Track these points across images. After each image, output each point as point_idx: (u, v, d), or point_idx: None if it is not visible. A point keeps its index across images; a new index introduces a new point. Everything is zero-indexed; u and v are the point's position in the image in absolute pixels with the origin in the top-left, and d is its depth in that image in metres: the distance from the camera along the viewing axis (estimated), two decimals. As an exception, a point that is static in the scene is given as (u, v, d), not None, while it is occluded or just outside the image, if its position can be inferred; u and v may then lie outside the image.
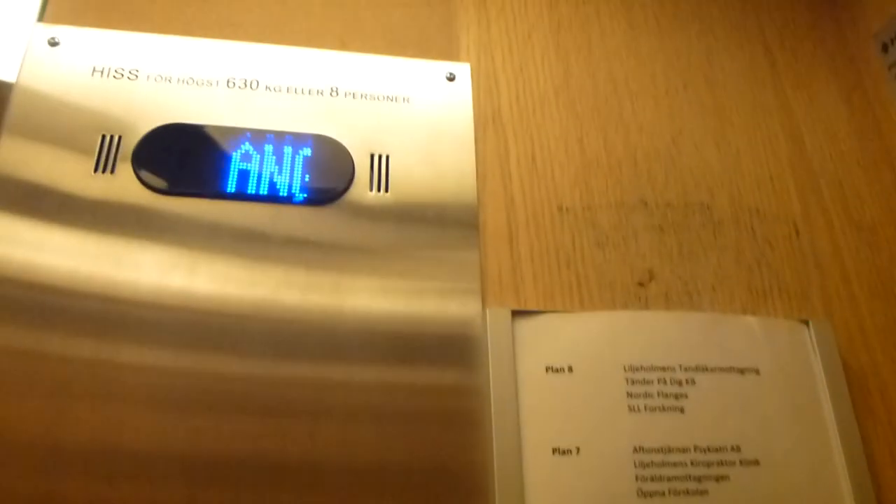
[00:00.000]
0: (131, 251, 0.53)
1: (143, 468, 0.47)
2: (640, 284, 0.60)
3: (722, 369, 0.57)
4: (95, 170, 0.56)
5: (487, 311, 0.55)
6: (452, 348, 0.54)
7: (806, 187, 0.68)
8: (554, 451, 0.52)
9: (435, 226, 0.58)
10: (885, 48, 0.74)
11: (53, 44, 0.60)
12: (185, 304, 0.52)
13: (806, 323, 0.60)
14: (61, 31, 0.61)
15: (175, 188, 0.56)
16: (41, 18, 0.62)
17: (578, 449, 0.52)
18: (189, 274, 0.53)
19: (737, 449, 0.54)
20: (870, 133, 0.72)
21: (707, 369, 0.56)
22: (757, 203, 0.66)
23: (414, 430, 0.51)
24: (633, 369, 0.55)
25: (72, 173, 0.55)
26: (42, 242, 0.52)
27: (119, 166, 0.56)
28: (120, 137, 0.57)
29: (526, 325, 0.56)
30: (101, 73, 0.60)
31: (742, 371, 0.57)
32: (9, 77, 0.59)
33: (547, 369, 0.54)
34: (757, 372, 0.57)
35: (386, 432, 0.50)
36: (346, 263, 0.55)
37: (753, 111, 0.71)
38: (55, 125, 0.57)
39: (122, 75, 0.60)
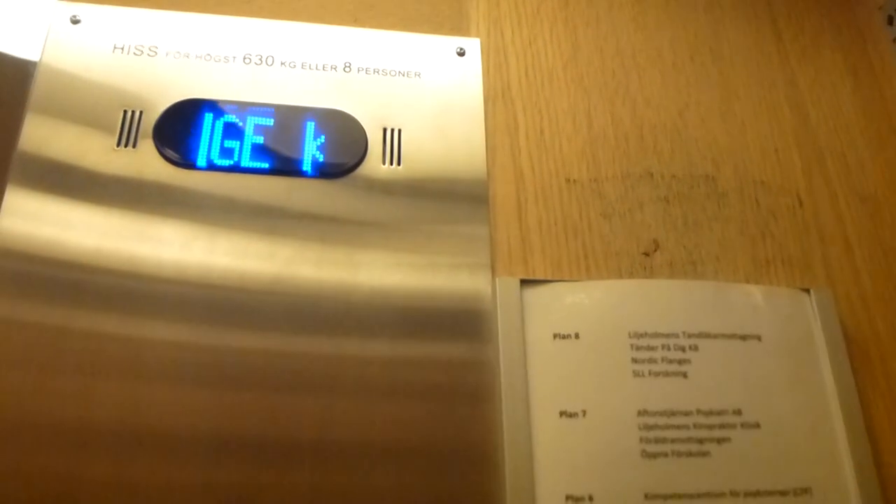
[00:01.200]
0: (154, 225, 0.55)
1: (165, 445, 0.49)
2: (646, 254, 0.62)
3: (724, 336, 0.58)
4: (118, 144, 0.57)
5: (497, 281, 0.57)
6: (463, 322, 0.56)
7: (810, 159, 0.69)
8: (561, 414, 0.54)
9: (446, 200, 0.59)
10: (890, 21, 0.74)
11: (75, 21, 0.62)
12: (204, 278, 0.54)
13: (807, 291, 0.62)
14: (82, 8, 0.62)
15: (194, 162, 0.57)
16: (62, -4, 0.63)
17: (585, 412, 0.54)
18: (208, 248, 0.55)
19: (738, 412, 0.56)
20: (874, 105, 0.73)
21: (710, 336, 0.58)
22: (761, 175, 0.67)
23: (426, 404, 0.53)
24: (638, 336, 0.57)
25: (95, 149, 0.57)
26: (67, 219, 0.54)
27: (140, 141, 0.58)
28: (141, 113, 0.59)
29: (534, 294, 0.58)
30: (122, 49, 0.61)
31: (744, 338, 0.59)
32: (33, 56, 0.61)
33: (554, 336, 0.56)
34: (759, 338, 0.59)
35: (399, 406, 0.52)
36: (360, 237, 0.57)
37: (759, 84, 0.72)
38: (78, 102, 0.59)
39: (142, 52, 0.61)
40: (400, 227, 0.58)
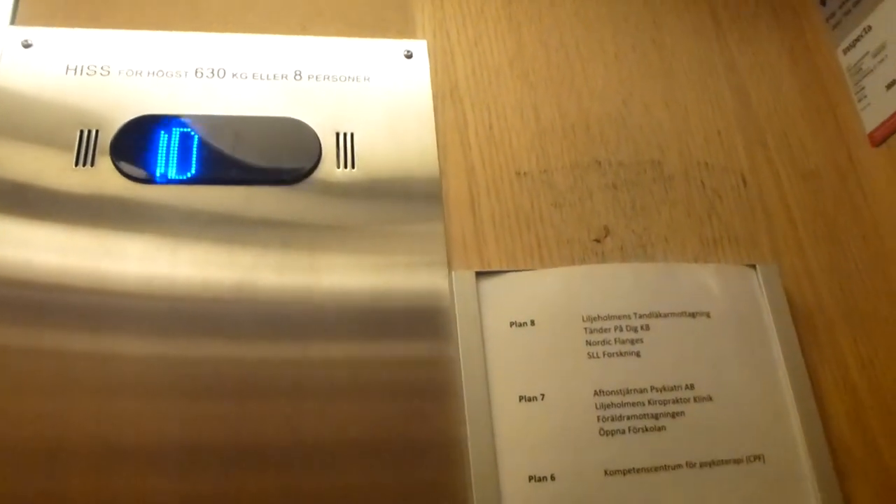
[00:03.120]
0: (116, 241, 0.56)
1: (140, 458, 0.50)
2: (597, 241, 0.64)
3: (674, 314, 0.61)
4: (76, 164, 0.59)
5: (453, 274, 0.59)
6: (423, 319, 0.57)
7: (752, 139, 0.72)
8: (521, 398, 0.56)
9: (401, 200, 0.61)
10: (823, 1, 0.77)
11: (27, 45, 0.63)
12: (169, 290, 0.55)
13: (754, 267, 0.64)
14: (33, 32, 0.63)
15: (152, 177, 0.59)
16: (13, 21, 0.64)
17: (543, 395, 0.57)
18: (171, 260, 0.56)
19: (690, 387, 0.59)
20: (812, 85, 0.76)
21: (660, 315, 0.61)
22: (706, 157, 0.70)
23: (392, 401, 0.55)
24: (591, 319, 0.59)
25: (53, 168, 0.58)
26: (29, 239, 0.55)
27: (98, 159, 0.59)
28: (97, 131, 0.60)
29: (490, 285, 0.60)
30: (75, 70, 0.62)
31: (693, 315, 0.61)
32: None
33: (511, 324, 0.59)
34: (708, 315, 0.62)
35: (365, 405, 0.54)
36: (319, 241, 0.59)
37: (700, 69, 0.74)
38: (35, 123, 0.60)
39: (95, 72, 0.63)
40: (358, 229, 0.59)
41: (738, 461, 0.57)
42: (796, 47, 0.78)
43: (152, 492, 0.50)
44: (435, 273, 0.59)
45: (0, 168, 0.58)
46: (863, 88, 0.73)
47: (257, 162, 0.60)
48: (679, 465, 0.57)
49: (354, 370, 0.55)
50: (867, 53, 0.72)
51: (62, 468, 0.49)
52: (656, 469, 0.56)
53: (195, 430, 0.52)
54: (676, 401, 0.58)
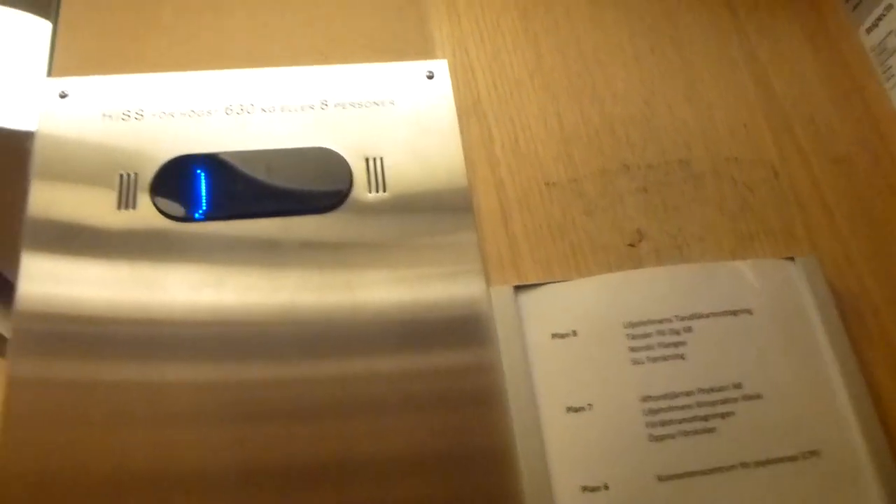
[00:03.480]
0: (161, 275, 0.58)
1: (196, 485, 0.52)
2: (631, 245, 0.64)
3: (716, 314, 0.61)
4: (118, 206, 0.60)
5: (491, 291, 0.60)
6: (462, 328, 0.58)
7: (780, 129, 0.71)
8: (568, 410, 0.57)
9: (432, 214, 0.62)
10: (842, -16, 0.77)
11: (63, 96, 0.65)
12: (216, 317, 0.57)
13: (792, 259, 0.64)
14: (68, 82, 0.65)
15: (192, 215, 0.60)
16: (49, 73, 0.67)
17: (591, 405, 0.57)
18: (216, 289, 0.58)
19: (738, 386, 0.58)
20: (835, 67, 0.75)
21: (702, 316, 0.60)
22: (734, 152, 0.69)
23: (437, 412, 0.55)
24: (633, 325, 0.59)
25: (98, 211, 0.60)
26: (79, 277, 0.57)
27: (139, 200, 0.61)
28: (136, 174, 0.62)
29: (529, 298, 0.60)
30: (110, 116, 0.64)
31: (735, 313, 0.61)
32: (30, 126, 0.64)
33: (553, 336, 0.59)
34: (750, 312, 0.61)
35: (411, 418, 0.55)
36: (356, 261, 0.60)
37: (721, 63, 0.74)
38: (77, 169, 0.62)
39: (129, 116, 0.64)
40: (391, 246, 0.60)
41: (793, 458, 0.57)
42: (817, 31, 0.77)
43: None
44: (470, 281, 0.60)
45: (48, 212, 0.60)
46: (889, 67, 0.72)
47: (292, 193, 0.62)
48: (733, 466, 0.56)
49: (399, 383, 0.56)
50: (891, 32, 0.71)
51: (120, 498, 0.51)
52: (710, 471, 0.56)
53: (248, 453, 0.53)
54: (725, 401, 0.58)
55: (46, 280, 0.57)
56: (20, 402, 0.53)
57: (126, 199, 0.61)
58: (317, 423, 0.54)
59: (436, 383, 0.56)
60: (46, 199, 0.60)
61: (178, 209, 0.61)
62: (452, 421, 0.55)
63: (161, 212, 0.60)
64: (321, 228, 0.61)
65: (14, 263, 0.58)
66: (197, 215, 0.60)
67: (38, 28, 0.78)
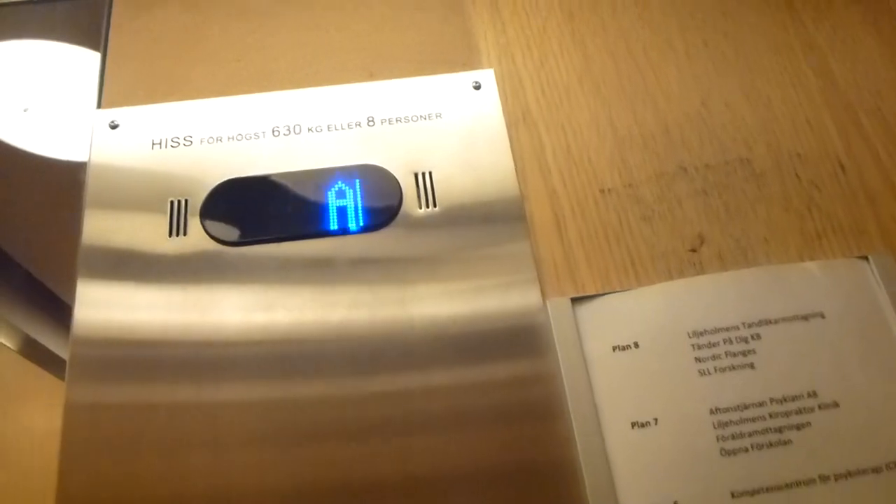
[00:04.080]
0: (213, 298, 0.58)
1: None
2: (693, 250, 0.62)
3: (786, 319, 0.58)
4: (170, 234, 0.61)
5: (548, 303, 0.58)
6: (519, 339, 0.57)
7: (844, 122, 0.68)
8: (633, 425, 0.55)
9: (484, 226, 0.61)
10: (906, -35, 0.72)
11: (114, 126, 0.66)
12: (268, 338, 0.57)
13: (866, 259, 0.61)
14: (118, 113, 0.66)
15: (243, 238, 0.61)
16: (99, 105, 0.68)
17: (656, 420, 0.55)
18: (268, 310, 0.58)
19: (813, 394, 0.56)
20: (903, 54, 0.71)
21: (771, 322, 0.58)
22: (797, 147, 0.66)
23: (496, 427, 0.54)
24: (698, 334, 0.57)
25: (150, 238, 0.61)
26: (134, 302, 0.58)
27: (190, 226, 0.61)
28: (187, 200, 0.62)
29: (587, 310, 0.58)
30: (160, 144, 0.65)
31: (806, 318, 0.58)
32: (82, 157, 0.65)
33: (614, 349, 0.57)
34: (822, 316, 0.58)
35: (471, 433, 0.54)
36: (408, 276, 0.59)
37: (778, 55, 0.71)
38: (128, 197, 0.63)
39: (178, 143, 0.65)
40: (444, 260, 0.59)
41: (876, 470, 0.54)
42: (879, 16, 0.73)
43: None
44: (526, 291, 0.58)
45: (102, 240, 0.60)
46: (961, 50, 0.68)
47: (343, 212, 0.61)
48: (812, 480, 0.53)
49: (456, 398, 0.55)
50: (962, 12, 0.67)
51: None
52: (787, 486, 0.53)
53: (306, 473, 0.52)
54: (800, 411, 0.55)
55: (102, 306, 0.58)
56: (78, 426, 0.54)
57: (177, 226, 0.61)
58: (374, 441, 0.53)
59: (494, 398, 0.55)
60: (100, 228, 0.61)
61: (228, 233, 0.61)
62: (513, 436, 0.54)
63: (211, 237, 0.61)
64: (372, 246, 0.60)
65: (71, 290, 0.59)
66: (247, 239, 0.60)
67: (88, 60, 0.80)
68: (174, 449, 0.53)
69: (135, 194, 0.63)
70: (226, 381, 0.55)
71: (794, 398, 0.56)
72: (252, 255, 0.60)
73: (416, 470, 0.53)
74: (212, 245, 0.61)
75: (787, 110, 0.68)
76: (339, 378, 0.55)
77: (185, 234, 0.61)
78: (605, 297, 0.59)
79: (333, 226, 0.61)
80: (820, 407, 0.55)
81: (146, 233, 0.61)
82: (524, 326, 0.57)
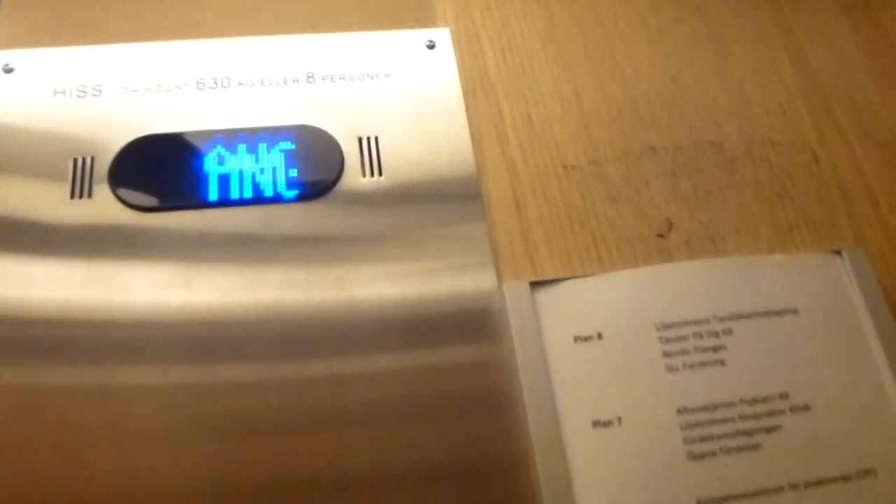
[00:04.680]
0: (122, 273, 0.50)
1: None
2: (660, 235, 0.57)
3: (758, 314, 0.53)
4: (72, 196, 0.52)
5: (504, 287, 0.52)
6: (472, 325, 0.51)
7: (819, 110, 0.64)
8: (594, 424, 0.49)
9: (436, 202, 0.55)
10: (883, -49, 0.70)
11: (8, 70, 0.57)
12: (186, 318, 0.49)
13: (839, 253, 0.57)
14: (15, 55, 0.57)
15: (157, 204, 0.52)
16: (-9, 45, 0.58)
17: (620, 419, 0.49)
18: (186, 288, 0.50)
19: (785, 396, 0.51)
20: (877, 43, 0.68)
21: (743, 316, 0.53)
22: (769, 133, 0.62)
23: (444, 419, 0.48)
24: (666, 327, 0.52)
25: (48, 202, 0.52)
26: (28, 276, 0.50)
27: (95, 188, 0.53)
28: (93, 158, 0.54)
29: (546, 296, 0.53)
30: (63, 93, 0.56)
31: (780, 313, 0.54)
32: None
33: (575, 339, 0.51)
34: (795, 312, 0.54)
35: (414, 425, 0.48)
36: (349, 255, 0.52)
37: (753, 37, 0.67)
38: (24, 154, 0.54)
39: (86, 93, 0.56)
40: (390, 238, 0.53)
41: (846, 478, 0.50)
42: (855, 3, 0.70)
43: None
44: (480, 275, 0.52)
45: (-8, 206, 0.51)
46: (934, 43, 0.65)
47: (272, 178, 0.54)
48: (781, 488, 0.49)
49: (398, 386, 0.49)
50: (936, 4, 0.65)
51: None
52: (755, 494, 0.49)
53: (227, 470, 0.45)
54: (770, 413, 0.51)
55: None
56: None
57: (81, 187, 0.53)
58: (307, 433, 0.47)
59: (442, 388, 0.49)
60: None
61: (140, 198, 0.52)
62: (462, 429, 0.48)
63: (121, 201, 0.52)
64: (308, 218, 0.53)
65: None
66: (161, 203, 0.52)
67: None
68: (72, 441, 0.45)
69: (32, 150, 0.54)
70: (134, 365, 0.48)
71: (765, 399, 0.51)
72: (167, 224, 0.52)
73: (353, 466, 0.46)
74: (121, 211, 0.52)
75: (760, 94, 0.64)
76: (266, 364, 0.48)
77: (89, 196, 0.52)
78: (567, 282, 0.53)
79: (264, 193, 0.53)
80: (791, 410, 0.51)
81: (44, 196, 0.52)
82: (477, 311, 0.51)
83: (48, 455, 0.45)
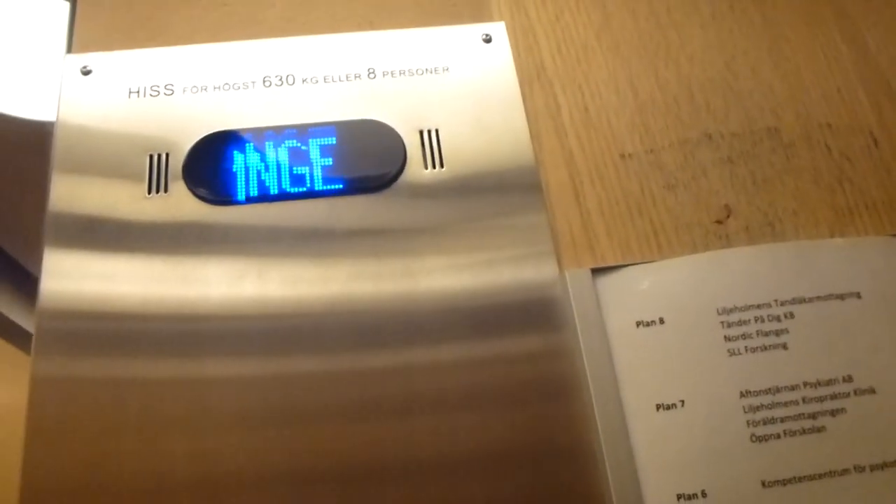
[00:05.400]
0: (198, 266, 0.52)
1: (245, 491, 0.46)
2: (718, 222, 0.57)
3: (820, 298, 0.54)
4: (149, 192, 0.55)
5: (566, 274, 0.53)
6: (535, 314, 0.52)
7: (877, 92, 0.64)
8: (658, 407, 0.50)
9: (496, 193, 0.56)
10: (943, -70, 0.68)
11: (86, 72, 0.59)
12: (259, 311, 0.51)
13: (900, 236, 0.57)
14: (92, 58, 0.60)
15: (229, 198, 0.55)
16: (69, 50, 0.61)
17: (683, 402, 0.50)
18: (259, 280, 0.52)
19: (849, 379, 0.51)
20: (939, 24, 0.67)
21: (805, 300, 0.53)
22: (827, 117, 0.62)
23: (510, 405, 0.49)
24: (727, 311, 0.53)
25: (125, 199, 0.55)
26: (108, 272, 0.52)
27: (171, 185, 0.55)
28: (167, 154, 0.56)
29: (608, 282, 0.54)
30: (138, 93, 0.59)
31: (842, 297, 0.54)
32: (49, 116, 0.59)
33: (637, 324, 0.52)
34: (858, 296, 0.54)
35: (481, 412, 0.49)
36: (414, 246, 0.54)
37: (808, 21, 0.66)
38: (101, 154, 0.56)
39: (158, 92, 0.59)
40: (453, 229, 0.54)
41: (913, 460, 0.50)
42: (911, -14, 0.69)
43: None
44: (541, 264, 0.53)
45: (73, 204, 0.54)
46: None
47: (339, 172, 0.56)
48: (846, 470, 0.49)
49: (465, 374, 0.50)
50: None
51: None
52: (820, 476, 0.49)
53: (300, 456, 0.47)
54: (834, 396, 0.51)
55: (71, 277, 0.52)
56: (45, 403, 0.48)
57: (157, 184, 0.55)
58: (376, 419, 0.48)
59: (507, 375, 0.50)
60: (69, 190, 0.55)
61: (213, 193, 0.55)
62: (528, 416, 0.49)
63: (195, 195, 0.55)
64: (373, 210, 0.55)
65: (38, 259, 0.52)
66: (234, 198, 0.55)
67: (57, 4, 0.73)
68: (152, 428, 0.48)
69: (109, 150, 0.56)
70: (212, 357, 0.50)
71: (828, 382, 0.51)
72: (240, 218, 0.54)
73: (421, 453, 0.48)
74: (195, 205, 0.55)
75: (816, 79, 0.64)
76: (336, 354, 0.50)
77: (165, 191, 0.55)
78: (628, 268, 0.54)
79: (331, 186, 0.55)
80: (856, 392, 0.51)
81: (122, 193, 0.55)
82: (540, 300, 0.52)
83: (129, 441, 0.47)
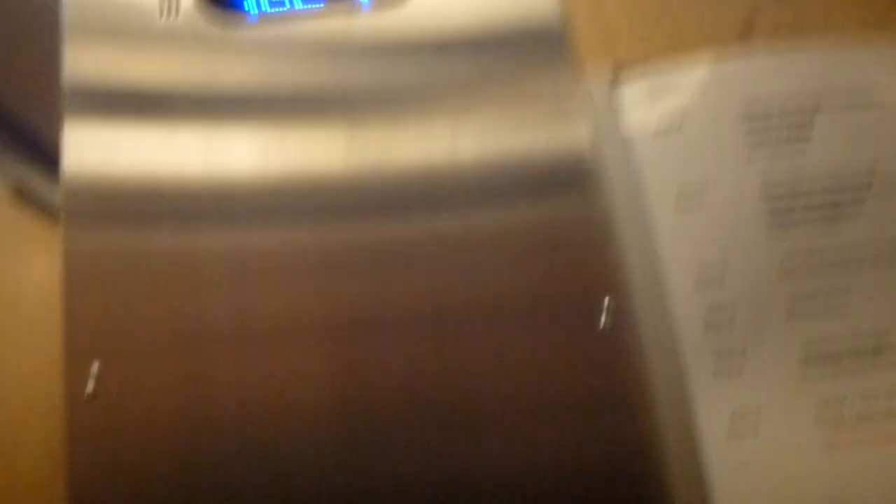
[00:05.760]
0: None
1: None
2: (745, 27, 0.55)
3: (848, 94, 0.53)
4: (160, 15, 0.54)
5: (587, 74, 0.53)
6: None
7: None
8: (678, 201, 0.51)
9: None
10: None
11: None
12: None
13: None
14: None
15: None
16: None
17: (703, 193, 0.51)
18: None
19: (872, 173, 0.52)
20: None
21: (832, 103, 0.53)
22: (862, -84, 0.59)
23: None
24: (751, 111, 0.52)
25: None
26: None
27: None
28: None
29: (629, 88, 0.53)
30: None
31: (870, 97, 0.53)
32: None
33: (659, 120, 0.52)
34: (882, 95, 0.53)
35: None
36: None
37: None
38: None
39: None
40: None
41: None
42: None
43: (296, 368, 0.47)
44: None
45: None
46: None
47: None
48: (862, 260, 0.50)
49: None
50: None
51: (204, 354, 0.47)
52: (839, 264, 0.50)
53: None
54: (858, 187, 0.51)
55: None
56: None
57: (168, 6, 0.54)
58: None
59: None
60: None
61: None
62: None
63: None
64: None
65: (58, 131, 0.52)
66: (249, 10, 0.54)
67: None
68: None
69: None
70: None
71: (851, 175, 0.52)
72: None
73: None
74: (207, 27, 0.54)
75: None
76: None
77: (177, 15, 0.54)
78: (649, 70, 0.53)
79: None
80: (879, 183, 0.51)
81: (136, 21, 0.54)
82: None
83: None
